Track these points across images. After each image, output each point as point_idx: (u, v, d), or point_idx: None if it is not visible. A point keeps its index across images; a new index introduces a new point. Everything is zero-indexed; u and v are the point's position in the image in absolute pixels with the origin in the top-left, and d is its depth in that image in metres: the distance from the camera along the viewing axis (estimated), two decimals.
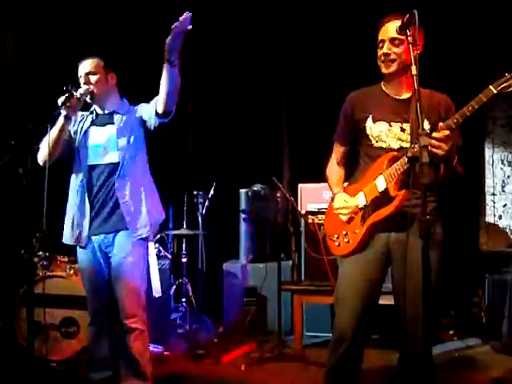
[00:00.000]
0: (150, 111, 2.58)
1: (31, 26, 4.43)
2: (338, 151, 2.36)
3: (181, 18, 2.22)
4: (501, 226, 4.65)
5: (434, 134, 1.91)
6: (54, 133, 2.51)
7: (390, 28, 2.09)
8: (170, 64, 2.35)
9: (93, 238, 2.62)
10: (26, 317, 3.26)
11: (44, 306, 3.28)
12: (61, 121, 2.52)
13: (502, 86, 1.85)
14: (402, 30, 1.92)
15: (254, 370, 3.39)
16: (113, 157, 2.59)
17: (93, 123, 2.68)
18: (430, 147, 1.84)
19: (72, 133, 2.69)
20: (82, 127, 2.68)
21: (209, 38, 4.92)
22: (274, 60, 4.90)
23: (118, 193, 2.55)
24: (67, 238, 2.68)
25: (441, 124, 1.94)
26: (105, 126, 2.66)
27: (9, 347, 3.39)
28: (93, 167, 2.61)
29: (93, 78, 2.60)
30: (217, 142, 4.99)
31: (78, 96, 2.52)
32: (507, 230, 4.62)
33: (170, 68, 2.35)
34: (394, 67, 2.10)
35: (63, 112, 2.49)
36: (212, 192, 4.18)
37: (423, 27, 1.97)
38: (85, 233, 2.60)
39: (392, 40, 2.07)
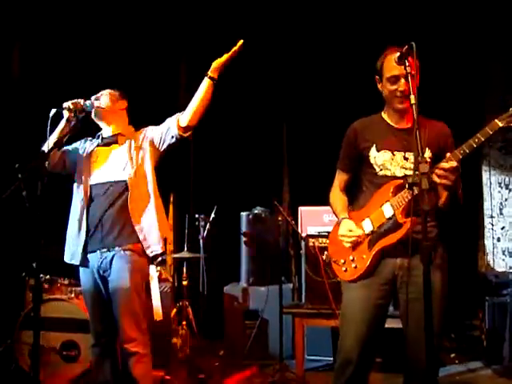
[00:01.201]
0: (166, 127, 2.68)
1: (38, 40, 4.53)
2: (340, 178, 2.41)
3: (238, 45, 2.55)
4: (499, 248, 4.67)
5: (443, 165, 1.96)
6: (54, 135, 2.60)
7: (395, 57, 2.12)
8: (213, 80, 2.58)
9: (89, 256, 2.63)
10: (27, 340, 3.31)
11: (45, 330, 3.30)
12: (61, 124, 2.62)
13: (507, 119, 1.92)
14: (400, 60, 1.99)
15: None
16: (117, 175, 2.64)
17: (98, 145, 2.77)
18: (438, 178, 1.93)
19: (79, 152, 2.78)
20: (87, 149, 2.77)
21: (208, 61, 5.03)
22: (274, 85, 4.99)
23: (130, 211, 2.59)
24: (65, 255, 2.70)
25: (448, 154, 2.00)
26: (109, 145, 2.74)
27: (10, 371, 3.37)
28: (95, 186, 2.65)
29: (103, 98, 2.74)
30: (218, 165, 5.04)
31: (82, 103, 2.62)
32: (506, 253, 4.65)
33: (211, 84, 2.58)
34: (408, 103, 2.11)
35: (65, 114, 2.59)
36: (213, 215, 4.20)
37: (420, 57, 2.03)
38: (80, 249, 2.61)
39: (406, 77, 2.06)
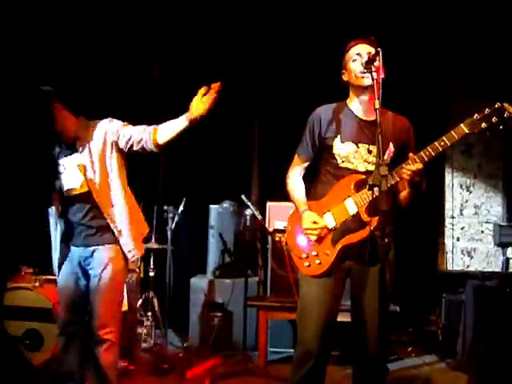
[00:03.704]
0: (138, 137, 2.59)
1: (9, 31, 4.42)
2: (299, 165, 2.39)
3: (215, 87, 2.50)
4: (458, 247, 4.86)
5: (409, 167, 2.02)
6: None
7: (365, 46, 2.20)
8: (191, 125, 2.53)
9: (72, 249, 2.67)
10: None
11: (7, 318, 3.27)
12: None
13: (472, 126, 1.97)
14: (367, 64, 2.04)
15: None
16: (82, 184, 2.61)
17: (60, 154, 2.68)
18: (404, 175, 2.00)
19: None
20: (56, 159, 2.72)
21: (183, 56, 5.04)
22: (245, 78, 5.02)
23: (101, 215, 2.60)
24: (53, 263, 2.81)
25: (411, 155, 2.05)
26: (71, 155, 2.64)
27: None
28: (68, 196, 2.65)
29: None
30: (188, 158, 5.06)
31: None
32: (464, 252, 4.84)
33: (189, 127, 2.54)
34: (370, 80, 2.13)
35: None
36: (182, 207, 4.23)
37: (386, 53, 2.06)
38: (57, 255, 2.73)
39: (370, 54, 2.12)
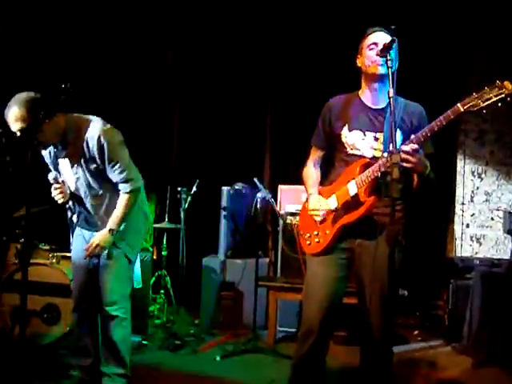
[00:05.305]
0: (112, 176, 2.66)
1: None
2: (315, 154, 2.50)
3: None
4: (468, 234, 4.89)
5: (403, 147, 2.05)
6: None
7: (383, 35, 2.22)
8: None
9: (83, 231, 2.79)
10: (8, 302, 3.40)
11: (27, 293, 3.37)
12: None
13: (469, 104, 1.96)
14: (382, 52, 2.08)
15: (229, 361, 3.55)
16: (75, 187, 2.70)
17: (57, 155, 2.71)
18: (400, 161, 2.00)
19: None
20: (53, 160, 2.75)
21: (195, 39, 5.05)
22: (259, 62, 5.03)
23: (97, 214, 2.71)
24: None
25: (412, 136, 2.08)
26: (64, 158, 2.68)
27: None
28: (75, 189, 2.74)
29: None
30: (201, 140, 5.11)
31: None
32: (473, 239, 4.87)
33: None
34: (384, 70, 2.15)
35: None
36: (195, 188, 4.30)
37: (404, 37, 2.11)
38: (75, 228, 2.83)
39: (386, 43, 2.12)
